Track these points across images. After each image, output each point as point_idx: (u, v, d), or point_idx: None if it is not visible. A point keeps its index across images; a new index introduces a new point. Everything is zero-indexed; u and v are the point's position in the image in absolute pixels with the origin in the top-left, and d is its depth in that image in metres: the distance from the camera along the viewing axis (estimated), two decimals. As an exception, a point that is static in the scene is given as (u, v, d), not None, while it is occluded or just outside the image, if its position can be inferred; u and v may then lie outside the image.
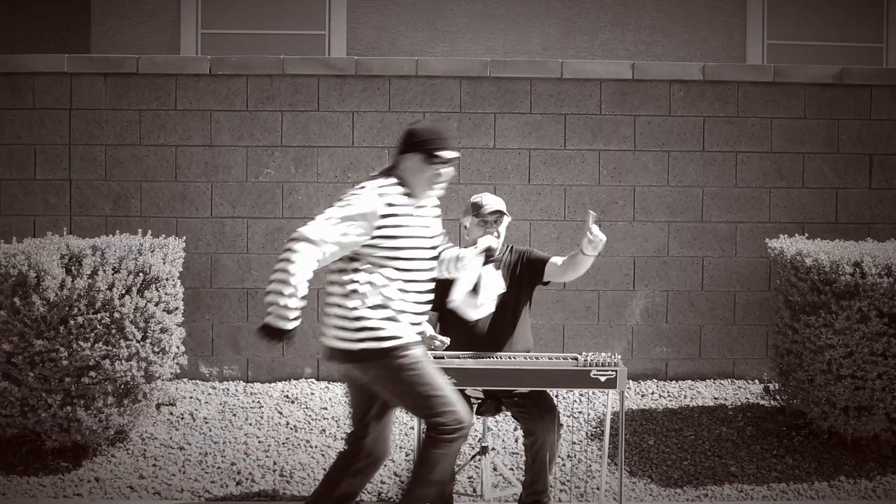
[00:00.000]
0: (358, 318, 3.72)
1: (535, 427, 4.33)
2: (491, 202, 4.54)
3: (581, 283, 6.30)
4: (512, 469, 5.13)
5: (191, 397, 5.93)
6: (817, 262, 5.11)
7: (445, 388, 3.81)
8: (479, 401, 4.51)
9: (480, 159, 6.30)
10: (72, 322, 4.86)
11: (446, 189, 6.48)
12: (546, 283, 4.63)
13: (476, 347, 4.43)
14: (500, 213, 4.51)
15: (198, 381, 6.21)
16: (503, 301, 4.49)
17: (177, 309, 5.42)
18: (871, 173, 6.39)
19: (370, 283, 3.73)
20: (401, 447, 5.37)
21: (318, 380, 6.26)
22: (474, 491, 4.92)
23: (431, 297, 3.94)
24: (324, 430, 5.56)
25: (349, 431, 4.00)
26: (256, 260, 6.26)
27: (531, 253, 4.63)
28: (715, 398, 6.02)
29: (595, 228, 4.20)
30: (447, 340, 4.36)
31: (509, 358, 4.30)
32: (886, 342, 4.95)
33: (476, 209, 4.52)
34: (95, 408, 4.95)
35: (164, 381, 5.40)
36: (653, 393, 6.09)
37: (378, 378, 3.79)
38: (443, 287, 4.48)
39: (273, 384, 6.17)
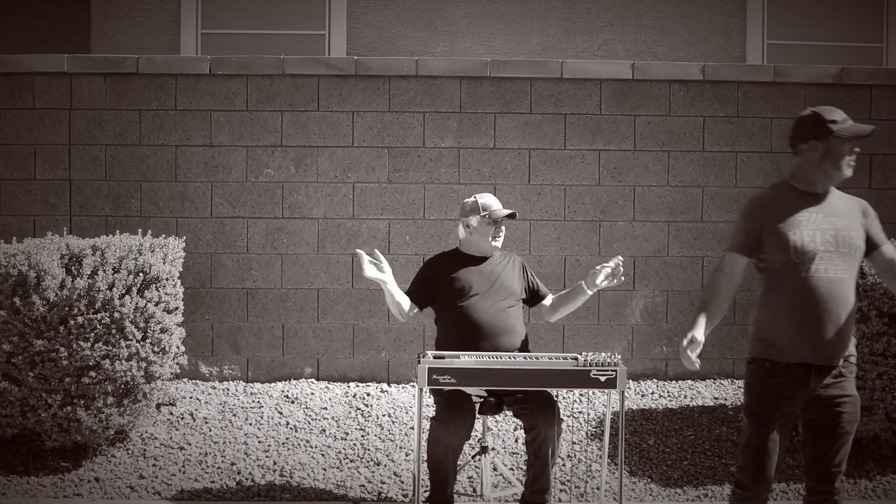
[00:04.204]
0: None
1: (536, 422, 4.34)
2: (498, 204, 4.76)
3: (581, 283, 6.30)
4: (512, 469, 5.13)
5: (191, 397, 5.93)
6: (817, 262, 5.11)
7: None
8: (481, 400, 4.53)
9: (480, 159, 6.30)
10: (72, 322, 4.86)
11: (445, 189, 6.51)
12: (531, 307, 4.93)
13: (474, 340, 4.51)
14: (513, 217, 4.75)
15: (198, 381, 6.21)
16: (503, 296, 4.64)
17: (177, 309, 5.42)
18: (871, 173, 6.39)
19: None
20: (401, 447, 5.37)
21: (318, 380, 6.26)
22: (474, 491, 4.92)
23: None
24: (324, 430, 5.56)
25: None
26: (256, 260, 6.26)
27: (534, 279, 4.87)
28: (715, 398, 6.02)
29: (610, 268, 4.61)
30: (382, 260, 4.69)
31: (510, 358, 4.31)
32: (886, 342, 4.95)
33: (485, 210, 4.69)
34: (95, 408, 4.95)
35: (164, 381, 5.40)
36: (653, 393, 6.09)
37: None
38: (437, 284, 4.63)
39: (273, 384, 6.17)
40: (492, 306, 4.59)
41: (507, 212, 4.72)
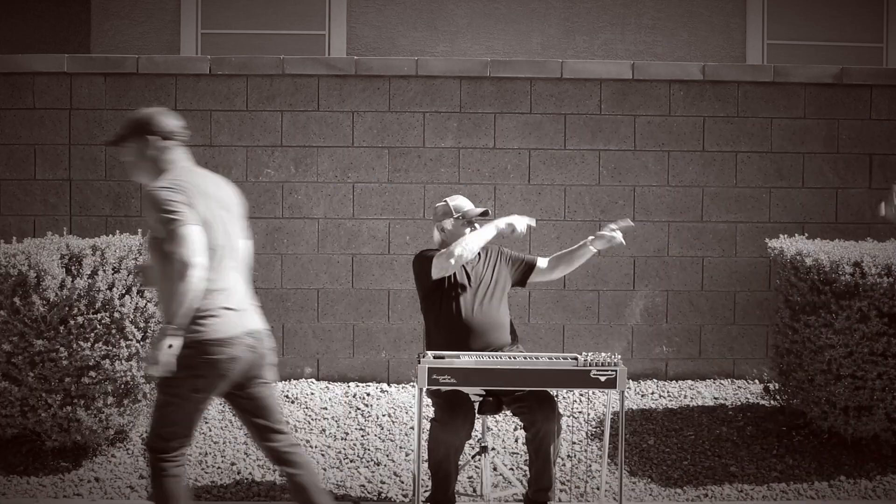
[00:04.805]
0: None
1: (535, 418, 4.35)
2: (470, 204, 4.80)
3: (581, 283, 6.30)
4: (512, 469, 5.13)
5: (191, 397, 5.92)
6: (817, 262, 5.11)
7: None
8: (481, 399, 4.53)
9: (480, 159, 6.30)
10: (72, 322, 4.86)
11: (445, 189, 6.49)
12: (524, 286, 4.95)
13: (464, 339, 4.55)
14: (486, 215, 4.78)
15: (198, 381, 6.20)
16: (490, 292, 4.68)
17: (177, 309, 5.41)
18: (871, 173, 6.39)
19: None
20: (401, 447, 5.37)
21: (318, 380, 6.26)
22: (474, 491, 4.92)
23: None
24: (324, 430, 5.56)
25: None
26: (256, 260, 6.26)
27: (517, 254, 4.92)
28: (715, 398, 6.02)
29: (619, 235, 4.73)
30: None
31: (509, 358, 4.31)
32: (886, 342, 4.95)
33: (458, 212, 4.74)
34: (95, 408, 4.95)
35: (164, 381, 5.40)
36: (653, 393, 6.09)
37: None
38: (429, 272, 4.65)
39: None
40: (478, 304, 4.61)
41: (479, 210, 4.76)
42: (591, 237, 4.78)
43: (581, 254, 4.80)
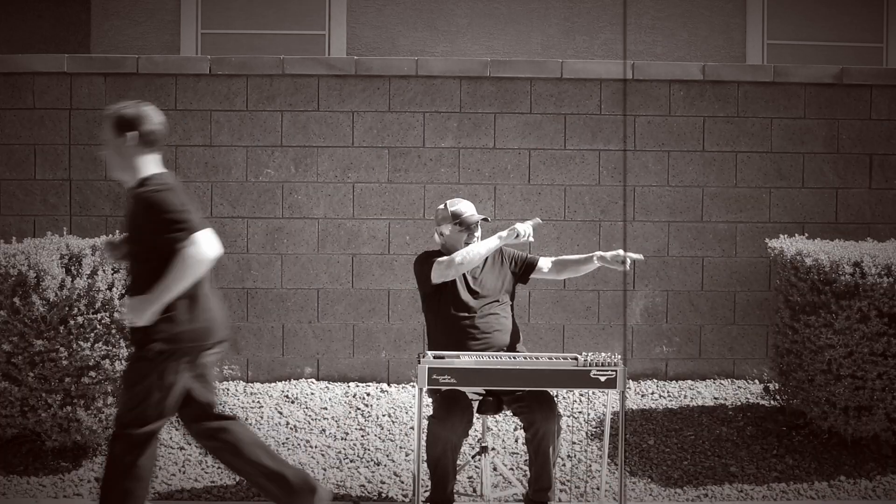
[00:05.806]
0: None
1: (534, 418, 4.35)
2: (471, 210, 4.75)
3: (581, 283, 6.30)
4: (512, 469, 5.13)
5: (191, 397, 5.92)
6: (817, 262, 5.11)
7: None
8: (479, 398, 4.53)
9: (480, 159, 6.30)
10: (72, 322, 4.86)
11: (445, 189, 6.50)
12: (525, 283, 4.94)
13: (464, 342, 4.55)
14: (483, 220, 4.76)
15: (198, 381, 6.20)
16: (491, 294, 4.68)
17: (177, 309, 5.41)
18: (871, 173, 6.39)
19: None
20: (401, 447, 5.37)
21: (318, 380, 6.26)
22: (474, 491, 4.92)
23: None
24: (324, 430, 5.56)
25: None
26: (256, 260, 6.26)
27: (518, 253, 4.90)
28: (715, 398, 6.02)
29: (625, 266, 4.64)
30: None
31: (510, 358, 4.31)
32: (886, 342, 4.95)
33: (456, 217, 4.69)
34: (95, 408, 4.95)
35: (164, 381, 5.40)
36: (653, 393, 6.09)
37: None
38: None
39: (273, 384, 6.17)
40: (479, 307, 4.60)
41: (478, 218, 4.70)
42: (597, 254, 4.72)
43: (588, 266, 4.77)
